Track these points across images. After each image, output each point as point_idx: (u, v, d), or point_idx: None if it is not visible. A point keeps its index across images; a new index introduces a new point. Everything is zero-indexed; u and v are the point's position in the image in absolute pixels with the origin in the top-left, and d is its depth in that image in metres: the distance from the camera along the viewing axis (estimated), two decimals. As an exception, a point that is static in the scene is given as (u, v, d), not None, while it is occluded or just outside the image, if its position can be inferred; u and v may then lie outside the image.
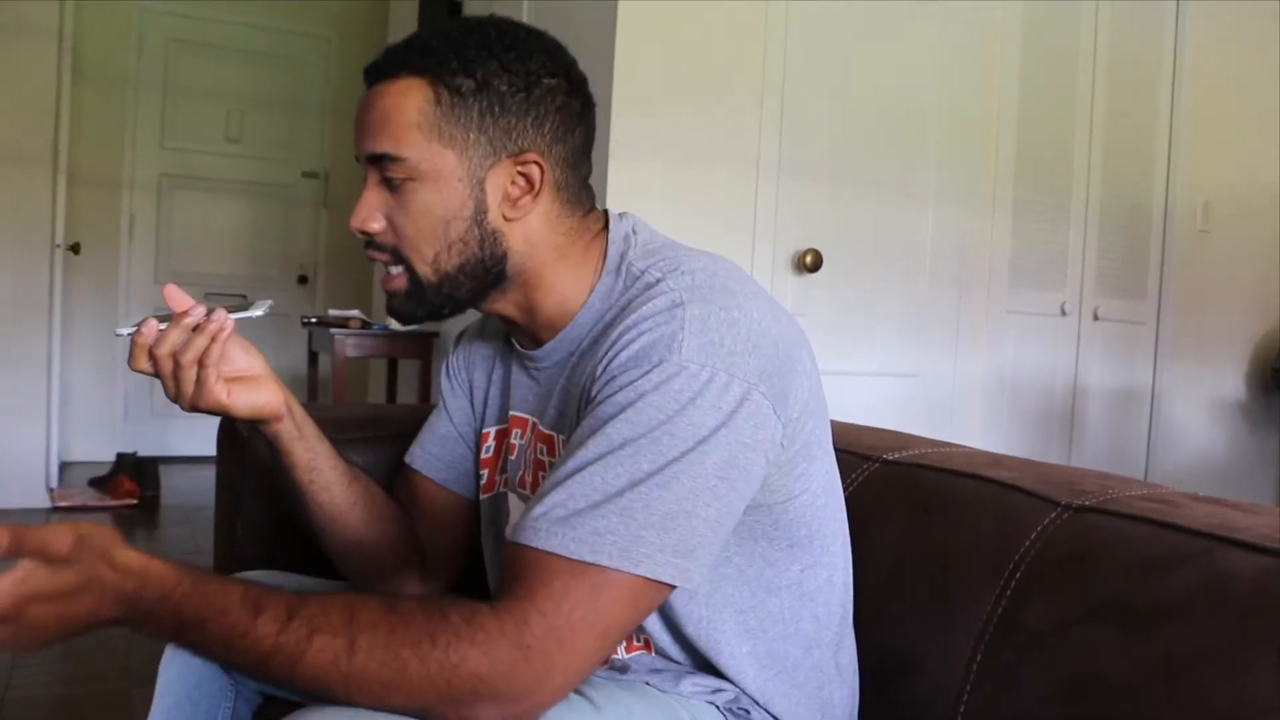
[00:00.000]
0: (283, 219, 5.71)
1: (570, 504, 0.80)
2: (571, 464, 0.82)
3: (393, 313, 1.02)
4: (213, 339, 0.99)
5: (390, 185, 0.96)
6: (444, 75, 0.94)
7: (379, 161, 0.96)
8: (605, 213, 1.04)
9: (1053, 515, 0.99)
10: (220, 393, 1.00)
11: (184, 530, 4.09)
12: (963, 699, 0.95)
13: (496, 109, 0.94)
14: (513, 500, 1.09)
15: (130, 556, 0.83)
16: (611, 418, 0.83)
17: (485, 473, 1.14)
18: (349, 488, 1.15)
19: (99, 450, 5.07)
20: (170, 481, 4.69)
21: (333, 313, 3.87)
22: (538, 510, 0.81)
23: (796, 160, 2.66)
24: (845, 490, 1.20)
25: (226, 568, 1.50)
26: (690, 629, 0.94)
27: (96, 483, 4.49)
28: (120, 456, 4.55)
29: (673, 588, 0.83)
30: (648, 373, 0.84)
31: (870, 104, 2.79)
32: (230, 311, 1.00)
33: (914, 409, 2.90)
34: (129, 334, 1.00)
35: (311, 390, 4.47)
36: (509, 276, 0.99)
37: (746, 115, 2.59)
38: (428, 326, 3.61)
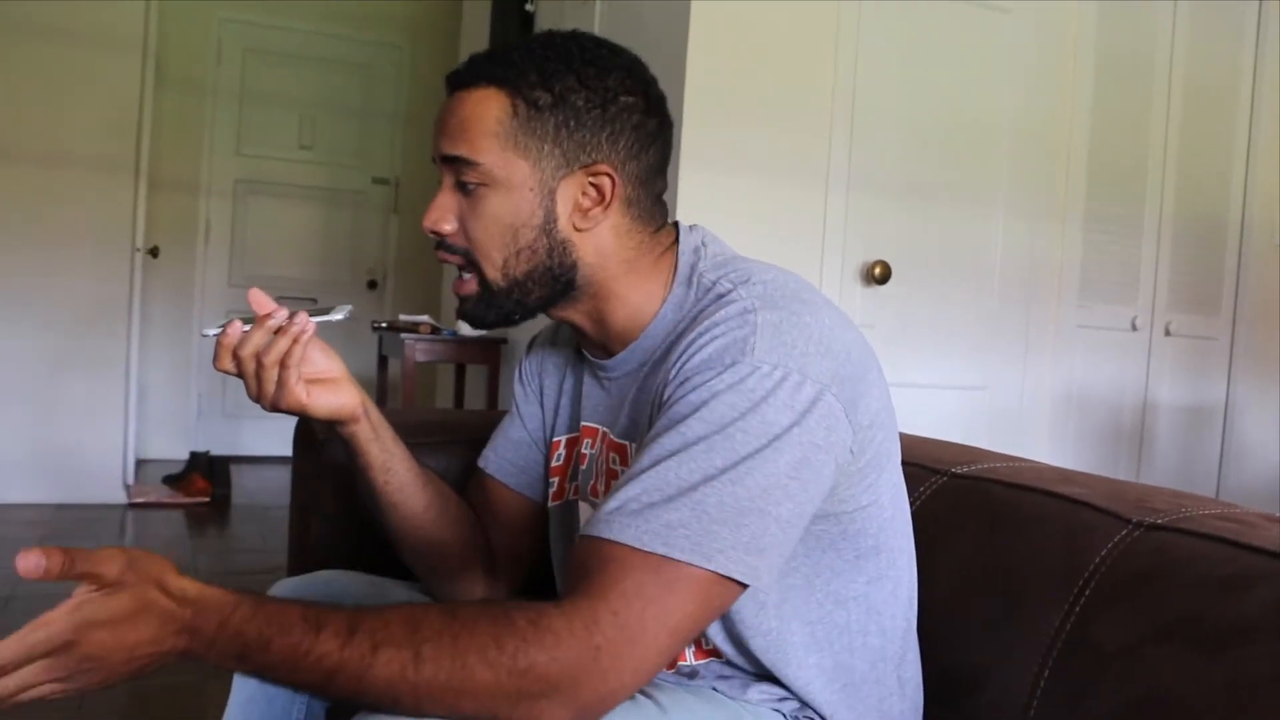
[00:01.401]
0: (353, 224, 5.80)
1: (644, 498, 0.81)
2: (645, 460, 0.84)
3: (464, 316, 1.04)
4: (295, 341, 1.02)
5: (464, 189, 0.98)
6: (522, 88, 0.96)
7: (454, 163, 0.98)
8: (675, 225, 1.06)
9: (1124, 533, 0.98)
10: (301, 393, 1.03)
11: (254, 529, 4.18)
12: (1029, 716, 0.95)
13: (572, 123, 0.96)
14: (583, 509, 1.10)
15: (184, 583, 0.82)
16: (685, 416, 0.84)
17: (556, 480, 1.15)
18: (423, 490, 1.17)
19: (173, 449, 5.20)
20: (241, 480, 4.79)
21: (403, 318, 3.94)
22: (611, 505, 0.82)
23: (866, 171, 2.66)
24: (913, 503, 1.21)
25: (301, 566, 1.54)
26: (758, 641, 0.94)
27: (170, 480, 4.60)
28: (193, 455, 4.67)
29: (743, 586, 0.82)
30: (721, 373, 0.85)
31: (940, 115, 2.78)
32: (311, 315, 1.02)
33: (981, 422, 2.88)
34: (215, 334, 1.03)
35: (381, 394, 4.54)
36: (579, 286, 1.00)
37: (816, 127, 2.60)
38: (496, 333, 3.66)
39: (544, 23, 3.36)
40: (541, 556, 1.23)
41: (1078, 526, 1.03)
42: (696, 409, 0.84)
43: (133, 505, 4.32)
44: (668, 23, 2.52)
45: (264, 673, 0.81)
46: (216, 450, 4.89)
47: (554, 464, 1.15)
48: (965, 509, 1.17)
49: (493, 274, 0.99)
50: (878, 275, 2.65)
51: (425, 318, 3.86)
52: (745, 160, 2.52)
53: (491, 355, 3.77)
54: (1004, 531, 1.10)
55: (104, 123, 4.30)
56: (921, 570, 1.09)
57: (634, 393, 1.01)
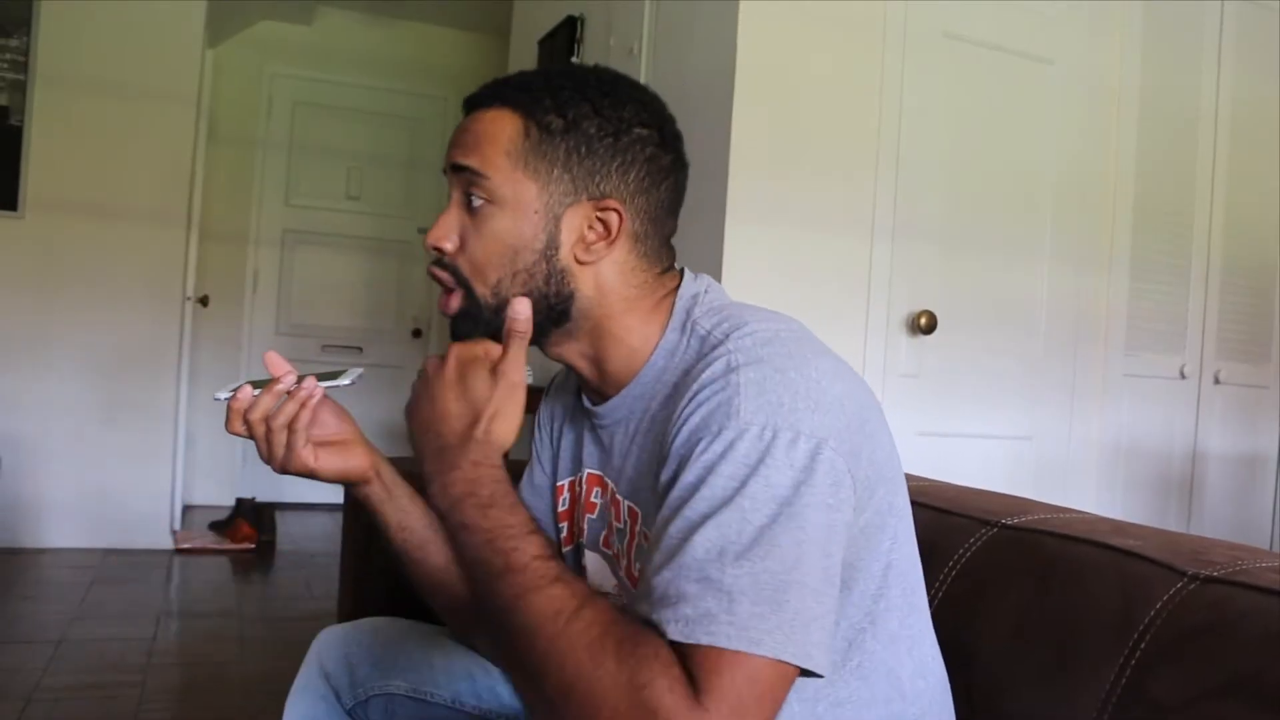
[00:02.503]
0: (398, 273, 5.88)
1: (672, 591, 0.76)
2: (662, 553, 0.79)
3: (455, 334, 1.02)
4: (302, 405, 1.04)
5: (470, 208, 0.98)
6: (535, 111, 0.96)
7: (463, 174, 0.98)
8: (682, 272, 1.05)
9: (1179, 585, 0.97)
10: (308, 457, 1.05)
11: (298, 575, 4.20)
12: (1085, 774, 0.94)
13: (583, 149, 0.96)
14: (592, 559, 1.09)
15: (509, 447, 0.92)
16: (688, 499, 0.80)
17: (564, 526, 1.14)
18: (443, 546, 1.16)
19: (219, 495, 5.25)
20: (285, 527, 4.83)
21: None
22: (645, 607, 0.78)
23: (911, 221, 2.66)
24: (962, 555, 1.20)
25: (351, 614, 1.55)
26: None
27: (216, 526, 4.65)
28: (239, 502, 4.71)
29: (798, 670, 0.76)
30: (711, 442, 0.82)
31: (984, 164, 2.79)
32: (321, 379, 1.05)
33: (1026, 472, 2.85)
34: (226, 398, 1.06)
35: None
36: (573, 319, 0.99)
37: (861, 177, 2.61)
38: (538, 380, 3.67)
39: (588, 76, 3.41)
40: None
41: (1132, 579, 1.01)
42: (696, 489, 0.80)
43: (179, 551, 4.37)
44: (713, 75, 2.56)
45: (465, 530, 0.85)
46: (262, 497, 4.94)
47: (560, 509, 1.15)
48: (1016, 561, 1.15)
49: (482, 291, 0.98)
50: (923, 325, 2.64)
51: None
52: (790, 211, 2.53)
53: (533, 402, 3.76)
54: (1056, 584, 1.08)
55: (158, 175, 4.42)
56: (971, 623, 1.08)
57: (635, 450, 0.99)
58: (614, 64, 3.12)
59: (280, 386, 1.04)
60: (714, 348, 0.90)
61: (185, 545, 4.40)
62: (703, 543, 0.77)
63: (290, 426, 1.04)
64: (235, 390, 1.06)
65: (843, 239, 2.58)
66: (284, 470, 1.05)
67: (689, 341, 0.96)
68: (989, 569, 1.17)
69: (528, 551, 0.81)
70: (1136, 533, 1.13)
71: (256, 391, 1.05)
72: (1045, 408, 2.89)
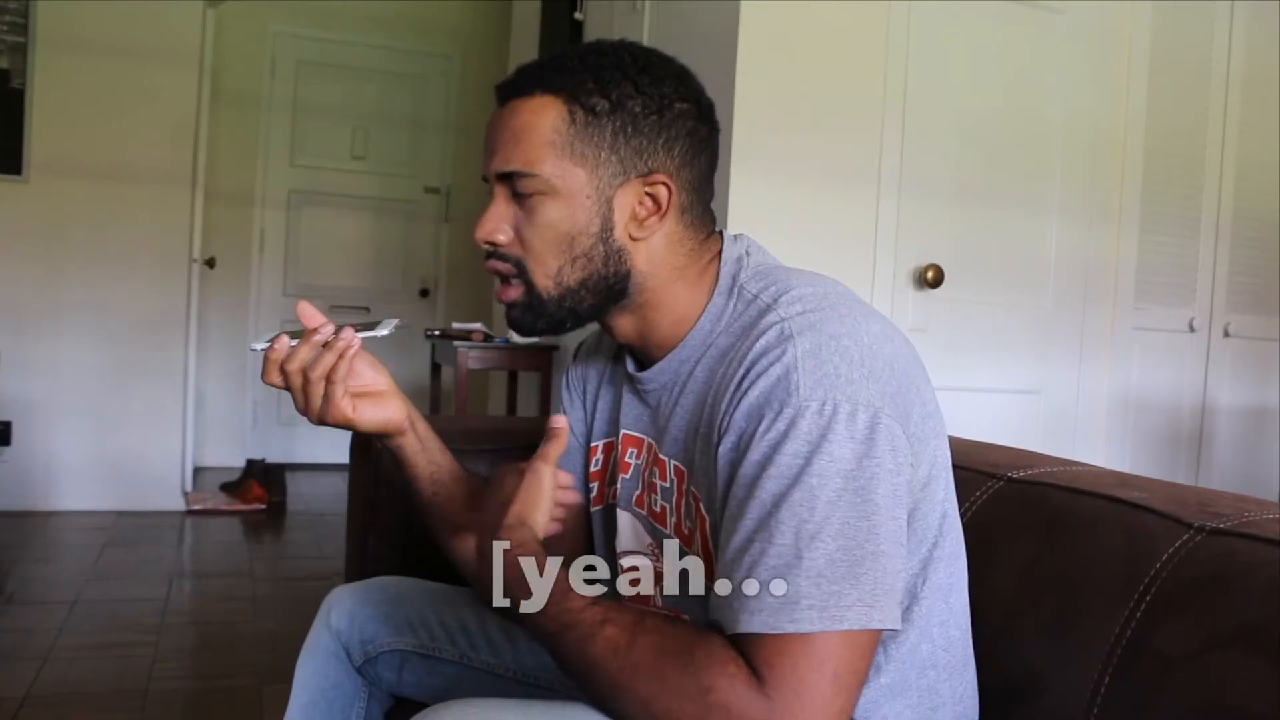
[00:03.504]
0: (405, 233, 5.86)
1: (756, 578, 0.80)
2: (738, 537, 0.83)
3: (512, 323, 1.03)
4: (340, 356, 1.03)
5: (519, 199, 0.98)
6: (579, 94, 0.96)
7: (509, 179, 0.98)
8: (721, 234, 1.05)
9: (1185, 537, 0.97)
10: (346, 408, 1.05)
11: (309, 535, 4.23)
12: (1090, 724, 0.94)
13: (629, 129, 0.96)
14: (624, 517, 1.10)
15: (539, 528, 0.96)
16: (757, 478, 0.83)
17: (595, 485, 1.16)
18: (471, 499, 1.18)
19: (229, 456, 5.28)
20: (296, 488, 4.86)
21: (455, 326, 3.97)
22: (728, 595, 0.82)
23: (918, 175, 2.64)
24: (968, 509, 1.19)
25: (359, 573, 1.56)
26: None
27: (227, 488, 4.67)
28: (250, 463, 4.74)
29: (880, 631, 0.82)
30: (774, 421, 0.84)
31: (992, 116, 2.76)
32: (358, 330, 1.04)
33: (1035, 426, 2.84)
34: (263, 349, 1.05)
35: (434, 402, 4.58)
36: (630, 294, 1.00)
37: (868, 130, 2.59)
38: (547, 340, 3.68)
39: (592, 30, 3.38)
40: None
41: (1138, 531, 1.01)
42: (764, 468, 0.83)
43: (191, 512, 4.40)
44: (717, 28, 2.53)
45: (523, 604, 0.89)
46: (272, 458, 4.97)
47: (593, 469, 1.16)
48: (1022, 514, 1.15)
49: (544, 282, 0.99)
50: (930, 279, 2.63)
51: (478, 325, 3.89)
52: (796, 166, 2.51)
53: (543, 362, 3.79)
54: (1062, 537, 1.08)
55: (162, 137, 4.40)
56: (977, 577, 1.07)
57: (679, 411, 1.00)
58: (617, 19, 3.09)
59: (318, 338, 1.03)
60: (763, 313, 0.92)
61: (197, 506, 4.43)
62: (778, 526, 0.81)
63: (328, 378, 1.03)
64: (272, 340, 1.05)
65: (849, 193, 2.56)
66: (321, 421, 1.05)
67: (735, 305, 0.97)
68: (995, 523, 1.17)
69: (572, 609, 0.86)
70: (1142, 485, 1.12)
71: (293, 342, 1.04)
72: (1054, 361, 2.88)
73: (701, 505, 0.96)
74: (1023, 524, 1.14)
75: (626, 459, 1.09)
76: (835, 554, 0.80)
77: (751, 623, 0.79)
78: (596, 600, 0.87)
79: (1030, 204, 2.82)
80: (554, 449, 1.00)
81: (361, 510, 1.64)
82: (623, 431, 1.10)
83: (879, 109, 2.59)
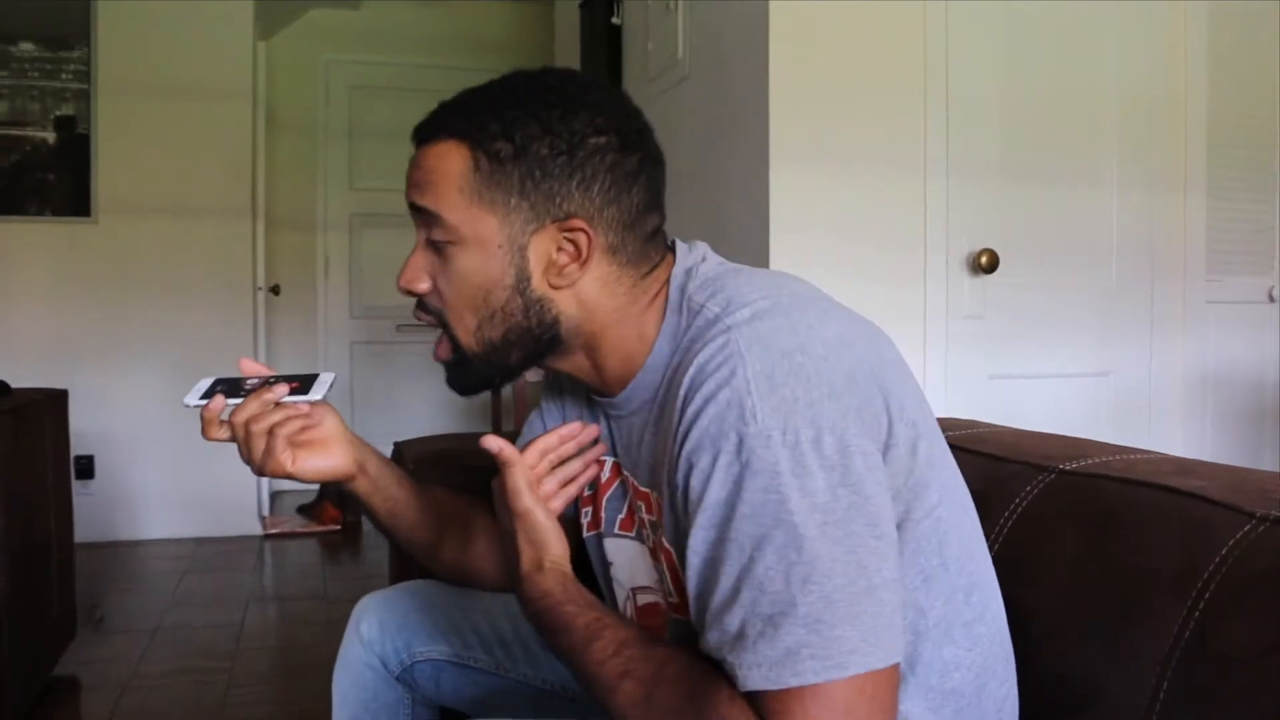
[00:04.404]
0: (465, 250, 5.89)
1: (749, 631, 0.76)
2: (723, 586, 0.78)
3: (448, 382, 1.02)
4: (286, 415, 1.03)
5: (435, 248, 0.95)
6: (482, 140, 0.92)
7: (422, 215, 0.95)
8: (674, 247, 1.00)
9: (1246, 528, 0.90)
10: (285, 461, 1.03)
11: (383, 555, 4.25)
12: (1149, 731, 0.88)
13: (537, 174, 0.91)
14: (619, 549, 1.08)
15: (561, 560, 0.97)
16: (729, 519, 0.78)
17: (589, 511, 1.12)
18: (435, 524, 1.19)
19: (306, 479, 5.34)
20: (370, 507, 4.90)
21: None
22: (722, 650, 0.78)
23: (965, 155, 2.56)
24: (1018, 504, 1.14)
25: (400, 578, 1.55)
26: None
27: (303, 510, 4.74)
28: (324, 485, 4.80)
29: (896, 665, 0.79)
30: (734, 455, 0.79)
31: (1041, 88, 2.66)
32: (293, 392, 1.03)
33: (1105, 411, 2.74)
34: (197, 406, 1.05)
35: (495, 417, 4.59)
36: (564, 340, 0.97)
37: (909, 110, 2.50)
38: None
39: (630, 34, 3.36)
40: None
41: (1196, 523, 0.95)
42: (733, 505, 0.78)
43: (268, 536, 4.47)
44: (748, 16, 2.48)
45: (555, 653, 0.93)
46: (346, 479, 5.01)
47: (584, 493, 1.12)
48: (1074, 509, 1.09)
49: (466, 338, 0.97)
50: (985, 264, 2.55)
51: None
52: (836, 151, 2.44)
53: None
54: (1115, 532, 1.02)
55: (221, 170, 4.49)
56: (1027, 576, 1.03)
57: (646, 437, 0.97)
58: (651, 20, 3.07)
59: (270, 396, 1.02)
60: (710, 324, 0.86)
61: (274, 530, 4.50)
62: (765, 571, 0.76)
63: (271, 431, 1.02)
64: (206, 396, 1.05)
65: (894, 180, 2.49)
66: (261, 473, 1.04)
67: (685, 319, 0.93)
68: (1045, 519, 1.11)
69: (594, 660, 0.87)
70: (1202, 472, 1.06)
71: (231, 401, 1.03)
72: (1122, 342, 2.77)
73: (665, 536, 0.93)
74: (1074, 519, 1.08)
75: (609, 487, 1.08)
76: (832, 594, 0.75)
77: (751, 678, 0.75)
78: (621, 647, 0.86)
79: (1086, 177, 2.71)
80: (515, 478, 0.98)
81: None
82: (607, 460, 1.08)
83: (920, 88, 2.50)
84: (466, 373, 0.99)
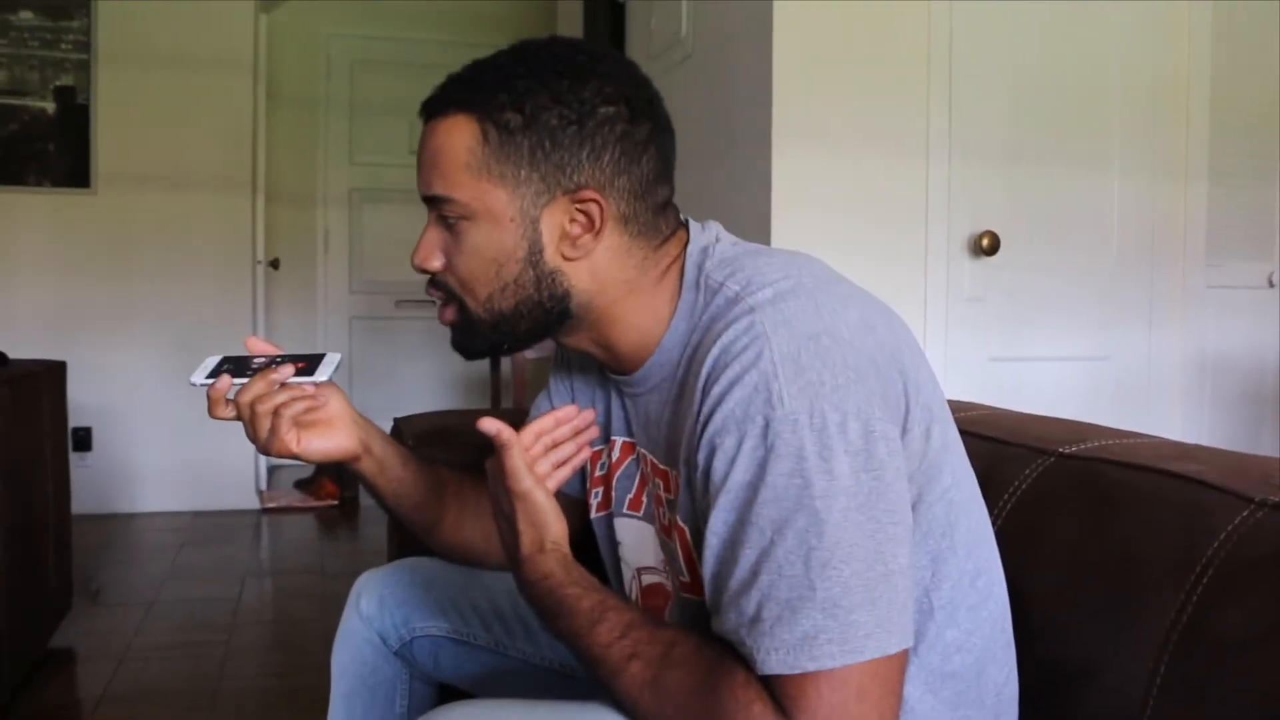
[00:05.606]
0: (466, 225, 5.88)
1: (766, 615, 0.77)
2: (742, 568, 0.79)
3: (453, 346, 1.02)
4: (291, 395, 1.03)
5: (447, 225, 0.95)
6: (491, 111, 0.91)
7: (434, 201, 0.95)
8: (687, 225, 1.00)
9: (1245, 513, 0.90)
10: (290, 441, 1.03)
11: (380, 530, 4.25)
12: (1145, 715, 0.88)
13: (547, 144, 0.91)
14: (629, 529, 1.08)
15: (559, 540, 0.95)
16: (751, 501, 0.79)
17: (599, 491, 1.12)
18: (438, 504, 1.19)
19: (303, 454, 5.35)
20: (368, 482, 4.91)
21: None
22: (740, 631, 0.78)
23: (967, 137, 2.55)
24: (1017, 487, 1.14)
25: (398, 554, 1.55)
26: None
27: (301, 485, 4.75)
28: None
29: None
30: (761, 438, 0.79)
31: (1044, 71, 2.65)
32: (299, 373, 1.03)
33: (1104, 395, 2.74)
34: (203, 385, 1.04)
35: (495, 395, 4.59)
36: (575, 315, 0.96)
37: (912, 92, 2.50)
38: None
39: (633, 11, 3.33)
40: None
41: (1194, 508, 0.95)
42: (756, 489, 0.78)
43: (265, 510, 4.48)
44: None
45: (556, 636, 0.92)
46: (344, 453, 5.01)
47: (596, 474, 1.12)
48: (1072, 493, 1.09)
49: (475, 308, 0.97)
50: (986, 246, 2.54)
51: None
52: (838, 131, 2.43)
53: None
54: (1114, 516, 1.02)
55: (221, 143, 4.48)
56: (1025, 560, 1.03)
57: (668, 415, 0.96)
58: (656, 3, 3.04)
59: (276, 377, 1.02)
60: (731, 304, 0.86)
61: (271, 505, 4.51)
62: (786, 555, 0.77)
63: (276, 412, 1.02)
64: (213, 376, 1.04)
65: (896, 161, 2.48)
66: (266, 452, 1.04)
67: (704, 297, 0.92)
68: (1044, 502, 1.11)
69: (599, 643, 0.86)
70: (1202, 457, 1.06)
71: (237, 380, 1.03)
72: (1122, 325, 2.77)
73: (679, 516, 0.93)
74: (1073, 503, 1.08)
75: (620, 465, 1.07)
76: (850, 579, 0.76)
77: (769, 663, 0.76)
78: (627, 628, 0.85)
79: (1089, 161, 2.70)
80: (514, 459, 0.96)
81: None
82: (618, 439, 1.07)
83: (923, 70, 2.49)
84: (473, 338, 0.99)
